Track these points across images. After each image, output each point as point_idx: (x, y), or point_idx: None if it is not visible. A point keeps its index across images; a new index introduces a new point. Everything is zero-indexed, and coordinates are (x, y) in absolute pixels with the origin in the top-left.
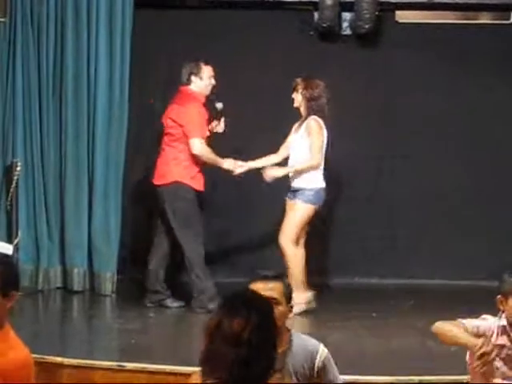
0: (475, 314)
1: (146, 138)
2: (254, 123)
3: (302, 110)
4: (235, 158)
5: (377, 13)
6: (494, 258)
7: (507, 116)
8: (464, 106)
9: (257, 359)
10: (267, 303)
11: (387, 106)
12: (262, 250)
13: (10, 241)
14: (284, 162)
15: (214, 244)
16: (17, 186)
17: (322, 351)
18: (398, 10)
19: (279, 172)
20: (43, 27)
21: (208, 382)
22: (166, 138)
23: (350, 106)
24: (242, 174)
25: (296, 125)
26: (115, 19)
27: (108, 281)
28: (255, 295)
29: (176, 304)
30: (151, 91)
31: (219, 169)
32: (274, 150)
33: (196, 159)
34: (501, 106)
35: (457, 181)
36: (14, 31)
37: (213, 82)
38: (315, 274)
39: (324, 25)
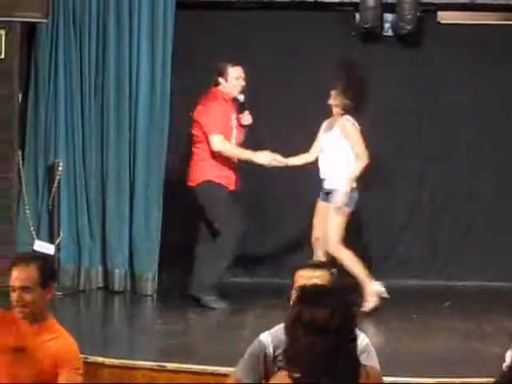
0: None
1: (187, 140)
2: (293, 123)
3: (335, 108)
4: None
5: (418, 14)
6: None
7: None
8: (505, 106)
9: (343, 349)
10: (346, 293)
11: (429, 107)
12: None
13: (51, 241)
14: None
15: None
16: (59, 186)
17: (364, 338)
18: (440, 10)
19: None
20: (85, 28)
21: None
22: (193, 140)
23: (392, 107)
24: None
25: (325, 123)
26: (157, 20)
27: (149, 282)
28: (333, 287)
29: (222, 305)
30: (192, 92)
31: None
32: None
33: (224, 157)
34: None
35: (495, 180)
36: (56, 32)
37: (241, 82)
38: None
39: (366, 26)
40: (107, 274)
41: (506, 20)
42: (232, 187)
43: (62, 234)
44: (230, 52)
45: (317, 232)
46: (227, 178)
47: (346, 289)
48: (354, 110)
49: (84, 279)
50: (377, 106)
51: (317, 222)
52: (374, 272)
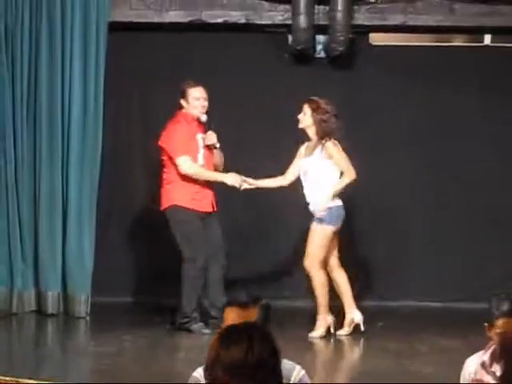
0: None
1: (120, 162)
2: (233, 145)
3: (311, 132)
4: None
5: (350, 35)
6: (468, 280)
7: (479, 137)
8: (436, 128)
9: None
10: (265, 330)
11: (362, 129)
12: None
13: None
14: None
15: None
16: None
17: (299, 370)
18: (372, 32)
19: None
20: (17, 47)
21: None
22: (161, 165)
23: None
24: (247, 188)
25: (303, 147)
26: (89, 43)
27: (82, 303)
28: (251, 323)
29: (206, 330)
30: (126, 115)
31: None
32: (257, 169)
33: (193, 179)
34: (474, 128)
35: (431, 200)
36: None
37: (202, 103)
38: None
39: (298, 47)
40: (40, 297)
41: (437, 41)
42: (206, 209)
43: None
44: (164, 75)
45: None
46: (198, 201)
47: (266, 323)
48: (329, 133)
49: (16, 302)
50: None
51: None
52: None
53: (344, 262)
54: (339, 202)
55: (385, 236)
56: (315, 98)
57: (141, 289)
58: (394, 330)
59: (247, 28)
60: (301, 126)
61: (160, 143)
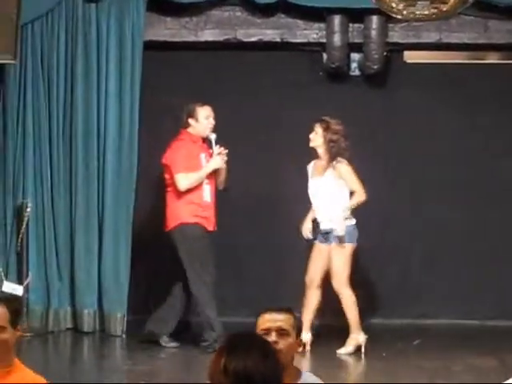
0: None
1: (155, 181)
2: (265, 162)
3: (322, 151)
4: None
5: (385, 53)
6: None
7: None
8: (471, 147)
9: None
10: (268, 343)
11: (397, 147)
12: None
13: (20, 282)
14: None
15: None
16: (27, 227)
17: (315, 380)
18: (406, 50)
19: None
20: (53, 70)
21: None
22: (165, 184)
23: (358, 147)
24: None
25: (311, 166)
26: (125, 62)
27: (118, 322)
28: (256, 336)
29: (172, 344)
30: (161, 133)
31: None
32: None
33: (197, 196)
34: (508, 145)
35: (466, 219)
36: (24, 74)
37: (211, 122)
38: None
39: (333, 65)
40: (76, 315)
41: (472, 59)
42: (210, 227)
43: (30, 274)
44: (199, 93)
45: (312, 274)
46: (203, 218)
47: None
48: (339, 153)
49: (53, 320)
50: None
51: (313, 264)
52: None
53: (374, 280)
54: (354, 221)
55: (421, 253)
56: (326, 118)
57: None
58: (429, 348)
59: (282, 47)
60: (311, 144)
61: (164, 161)
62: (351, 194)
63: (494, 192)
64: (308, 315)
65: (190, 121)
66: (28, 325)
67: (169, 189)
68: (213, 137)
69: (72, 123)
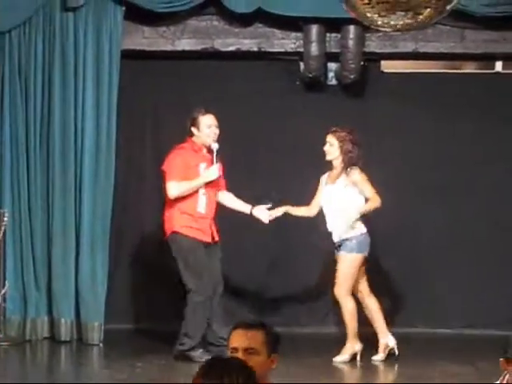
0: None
1: (133, 190)
2: (241, 170)
3: (337, 163)
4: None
5: (362, 63)
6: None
7: (492, 164)
8: (449, 155)
9: None
10: (245, 366)
11: (374, 156)
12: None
13: None
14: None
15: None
16: (4, 236)
17: None
18: (383, 59)
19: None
20: (31, 78)
21: None
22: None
23: None
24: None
25: (324, 177)
26: (102, 70)
27: (95, 331)
28: (234, 360)
29: (206, 357)
30: (138, 143)
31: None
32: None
33: (192, 206)
34: (485, 155)
35: (443, 229)
36: (1, 82)
37: (214, 130)
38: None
39: (310, 75)
40: (53, 324)
41: (449, 68)
42: (204, 239)
43: (7, 284)
44: (175, 102)
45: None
46: (197, 230)
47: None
48: (355, 162)
49: (30, 329)
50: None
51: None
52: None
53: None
54: (365, 229)
55: (398, 262)
56: (339, 129)
57: (154, 315)
58: (407, 356)
59: (259, 56)
60: (329, 158)
61: (162, 168)
62: (366, 201)
63: (474, 198)
64: (375, 324)
65: (193, 129)
66: (5, 334)
67: (166, 197)
68: (215, 147)
69: (49, 132)
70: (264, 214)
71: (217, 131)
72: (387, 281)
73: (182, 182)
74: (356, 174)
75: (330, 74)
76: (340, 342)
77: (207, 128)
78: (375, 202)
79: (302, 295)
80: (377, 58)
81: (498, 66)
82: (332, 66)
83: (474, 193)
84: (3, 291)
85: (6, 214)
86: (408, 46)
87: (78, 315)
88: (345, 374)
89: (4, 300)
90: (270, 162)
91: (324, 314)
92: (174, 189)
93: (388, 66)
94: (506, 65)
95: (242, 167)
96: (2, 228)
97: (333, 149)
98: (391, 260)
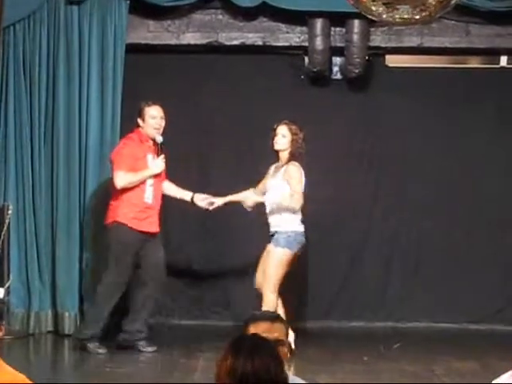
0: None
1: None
2: (245, 166)
3: (285, 154)
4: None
5: (367, 57)
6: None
7: (495, 159)
8: (453, 150)
9: None
10: (272, 344)
11: (379, 149)
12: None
13: (1, 284)
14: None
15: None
16: (8, 230)
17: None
18: (388, 54)
19: (259, 199)
20: (35, 72)
21: None
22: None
23: (340, 150)
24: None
25: (272, 168)
26: (107, 64)
27: None
28: (260, 337)
29: (150, 348)
30: None
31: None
32: None
33: (135, 196)
34: (490, 149)
35: (445, 223)
36: (6, 76)
37: (159, 121)
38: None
39: (314, 69)
40: (57, 318)
41: (454, 63)
42: (148, 229)
43: (11, 277)
44: (181, 96)
45: (260, 275)
46: (143, 220)
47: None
48: (299, 157)
49: (34, 323)
50: (325, 148)
51: (260, 265)
52: (326, 314)
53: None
54: (301, 229)
55: (398, 257)
56: (291, 122)
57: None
58: (410, 351)
59: (264, 50)
60: (278, 147)
61: (110, 157)
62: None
63: (473, 194)
64: None
65: (139, 120)
66: (9, 327)
67: (112, 186)
68: (159, 139)
69: (54, 126)
70: (204, 201)
71: (162, 123)
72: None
73: (129, 172)
74: (294, 171)
75: (335, 69)
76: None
77: (152, 119)
78: (297, 203)
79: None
80: (382, 52)
81: (503, 60)
82: (337, 60)
83: (479, 188)
84: (7, 284)
85: (11, 207)
86: (413, 41)
87: (82, 309)
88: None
89: (8, 293)
90: (275, 156)
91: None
92: (120, 179)
93: (393, 61)
94: (511, 59)
95: (247, 161)
96: (7, 221)
97: (284, 140)
98: (398, 257)
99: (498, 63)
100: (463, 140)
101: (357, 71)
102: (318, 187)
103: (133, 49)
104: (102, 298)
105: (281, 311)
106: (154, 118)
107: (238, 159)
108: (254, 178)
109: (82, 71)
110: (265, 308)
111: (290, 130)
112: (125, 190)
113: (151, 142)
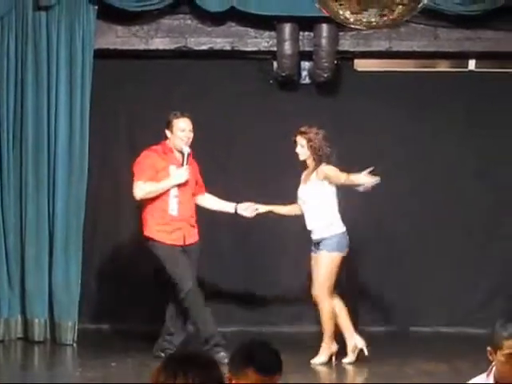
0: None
1: (107, 189)
2: (210, 169)
3: (310, 161)
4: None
5: (335, 61)
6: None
7: (464, 162)
8: (422, 153)
9: None
10: (207, 365)
11: (347, 154)
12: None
13: None
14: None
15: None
16: None
17: None
18: (357, 58)
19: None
20: (3, 77)
21: None
22: None
23: None
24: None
25: (303, 176)
26: (75, 70)
27: (69, 330)
28: (197, 356)
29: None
30: (112, 143)
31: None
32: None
33: (161, 209)
34: (459, 152)
35: (413, 229)
36: None
37: (188, 134)
38: None
39: (283, 74)
40: (27, 324)
41: (422, 67)
42: (175, 242)
43: None
44: (149, 101)
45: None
46: (169, 233)
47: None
48: (326, 159)
49: (3, 329)
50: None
51: (314, 275)
52: None
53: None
54: (343, 228)
55: (374, 261)
56: (307, 129)
57: (128, 316)
58: (381, 354)
59: (232, 55)
60: (302, 158)
61: (132, 168)
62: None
63: (450, 196)
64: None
65: (167, 132)
66: None
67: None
68: (186, 150)
69: (22, 131)
70: (248, 210)
71: (190, 135)
72: (364, 280)
73: (148, 182)
74: (325, 170)
75: (304, 73)
76: (314, 341)
77: (180, 131)
78: (355, 177)
79: (274, 295)
80: (350, 56)
81: (471, 64)
82: (305, 64)
83: (449, 191)
84: None
85: None
86: (381, 45)
87: (52, 315)
88: (321, 375)
89: None
90: (244, 160)
91: (298, 314)
92: (139, 189)
93: (361, 65)
94: (479, 63)
95: (215, 166)
96: None
97: (303, 149)
98: (368, 259)
99: (467, 67)
100: (432, 143)
101: (325, 75)
102: (290, 191)
103: (101, 54)
104: (194, 309)
105: (342, 313)
106: (183, 131)
107: (209, 163)
108: (222, 183)
109: (50, 76)
110: (324, 314)
111: (305, 137)
112: (148, 202)
113: (177, 154)
